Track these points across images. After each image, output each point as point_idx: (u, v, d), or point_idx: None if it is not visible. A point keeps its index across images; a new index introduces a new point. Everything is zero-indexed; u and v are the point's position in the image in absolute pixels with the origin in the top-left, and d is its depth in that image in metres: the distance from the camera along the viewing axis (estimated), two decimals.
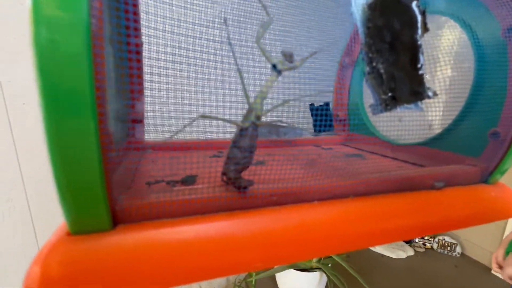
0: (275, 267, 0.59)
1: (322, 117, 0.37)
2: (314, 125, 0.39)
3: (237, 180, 0.18)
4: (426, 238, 0.80)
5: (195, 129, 0.22)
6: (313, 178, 0.21)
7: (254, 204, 0.18)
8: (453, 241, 0.76)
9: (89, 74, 0.13)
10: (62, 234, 0.15)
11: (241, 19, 0.19)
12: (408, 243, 0.81)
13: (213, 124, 0.22)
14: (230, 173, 0.18)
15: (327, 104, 0.39)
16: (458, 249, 0.76)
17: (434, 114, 0.29)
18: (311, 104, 0.37)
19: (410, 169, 0.25)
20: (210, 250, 0.16)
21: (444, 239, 0.77)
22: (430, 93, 0.21)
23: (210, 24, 0.19)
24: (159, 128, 0.24)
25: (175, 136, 0.24)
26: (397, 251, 0.75)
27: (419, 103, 0.21)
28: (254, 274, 0.62)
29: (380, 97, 0.20)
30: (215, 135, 0.22)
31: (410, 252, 0.77)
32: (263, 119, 0.20)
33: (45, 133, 0.13)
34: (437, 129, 0.30)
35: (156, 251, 0.15)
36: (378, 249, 0.77)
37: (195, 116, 0.22)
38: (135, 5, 0.22)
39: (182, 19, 0.21)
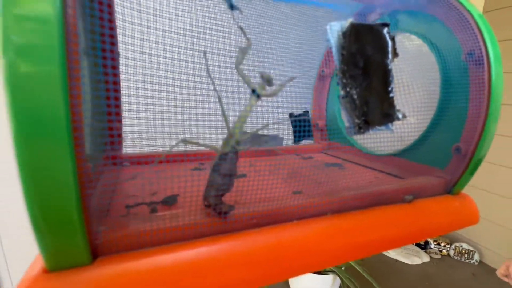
0: None
1: (301, 127, 0.38)
2: (294, 134, 0.40)
3: (217, 205, 0.18)
4: (442, 244, 0.75)
5: (172, 145, 0.22)
6: (292, 198, 0.22)
7: (235, 228, 0.19)
8: (470, 248, 0.72)
9: (65, 96, 0.12)
10: (38, 270, 0.14)
11: (221, 46, 0.19)
12: (424, 249, 0.76)
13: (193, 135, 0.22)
14: (211, 199, 0.18)
15: (306, 112, 0.40)
16: (476, 257, 0.71)
17: (405, 129, 0.31)
18: (291, 113, 0.38)
19: (383, 184, 0.27)
20: (191, 277, 0.16)
21: (461, 246, 0.73)
22: (400, 115, 0.23)
23: (191, 53, 0.19)
24: (138, 141, 0.23)
25: (156, 149, 0.23)
26: (411, 257, 0.71)
27: (389, 124, 0.23)
28: None
29: (354, 121, 0.21)
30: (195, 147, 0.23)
31: (426, 258, 0.73)
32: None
33: (17, 163, 0.12)
34: (407, 142, 0.32)
35: (137, 282, 0.15)
36: (392, 254, 0.73)
37: (174, 132, 0.22)
38: (111, 17, 0.21)
39: (162, 41, 0.21)
